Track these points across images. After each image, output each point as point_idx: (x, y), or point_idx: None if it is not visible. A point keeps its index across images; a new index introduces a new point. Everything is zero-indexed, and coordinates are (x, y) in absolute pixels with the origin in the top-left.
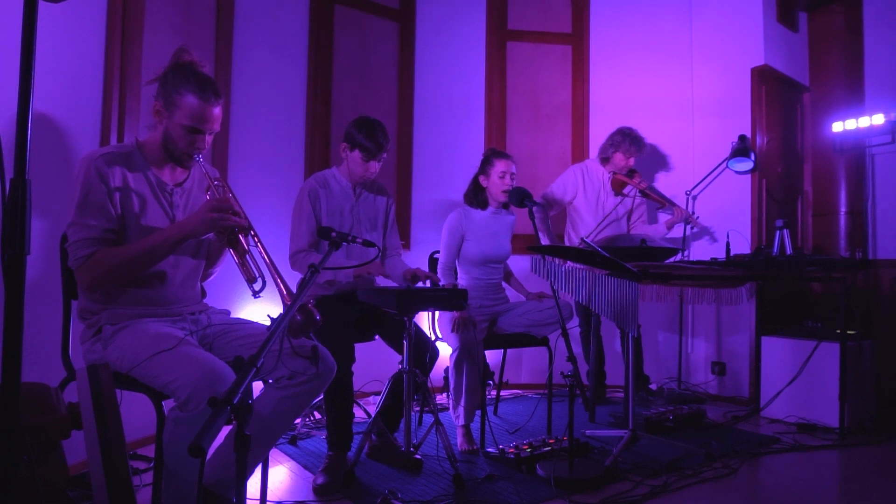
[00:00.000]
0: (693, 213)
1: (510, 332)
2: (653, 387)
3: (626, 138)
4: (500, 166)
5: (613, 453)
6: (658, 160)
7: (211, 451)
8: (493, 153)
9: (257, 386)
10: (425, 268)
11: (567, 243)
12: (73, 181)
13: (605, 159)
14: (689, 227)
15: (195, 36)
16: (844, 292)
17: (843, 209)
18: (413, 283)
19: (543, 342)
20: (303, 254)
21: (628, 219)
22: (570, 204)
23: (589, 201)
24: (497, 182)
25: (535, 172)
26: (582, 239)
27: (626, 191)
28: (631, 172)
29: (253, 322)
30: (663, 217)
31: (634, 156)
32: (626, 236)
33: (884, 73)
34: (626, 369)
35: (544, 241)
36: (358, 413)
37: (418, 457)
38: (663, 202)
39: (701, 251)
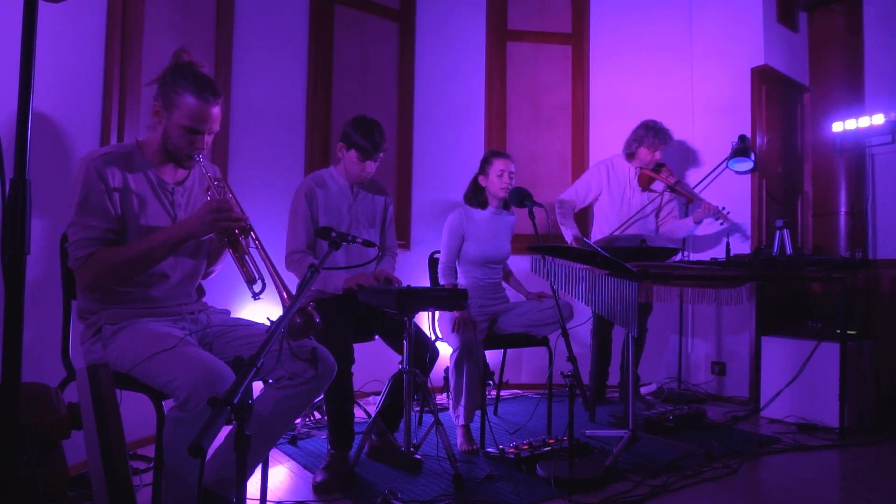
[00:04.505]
0: (723, 208)
1: (510, 332)
2: (651, 387)
3: (649, 131)
4: (498, 165)
5: (613, 453)
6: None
7: (211, 451)
8: (492, 153)
9: (257, 386)
10: (425, 268)
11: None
12: (72, 181)
13: (630, 155)
14: (719, 222)
15: (195, 36)
16: (844, 292)
17: (843, 209)
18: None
19: (543, 342)
20: (299, 254)
21: (657, 215)
22: (594, 202)
23: (614, 198)
24: (496, 181)
25: (535, 172)
26: (583, 239)
27: (653, 186)
28: (658, 167)
29: (253, 322)
30: (692, 212)
31: (660, 149)
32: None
33: (884, 74)
34: (627, 369)
35: (567, 235)
36: (358, 413)
37: (418, 457)
38: (691, 197)
39: (701, 251)
